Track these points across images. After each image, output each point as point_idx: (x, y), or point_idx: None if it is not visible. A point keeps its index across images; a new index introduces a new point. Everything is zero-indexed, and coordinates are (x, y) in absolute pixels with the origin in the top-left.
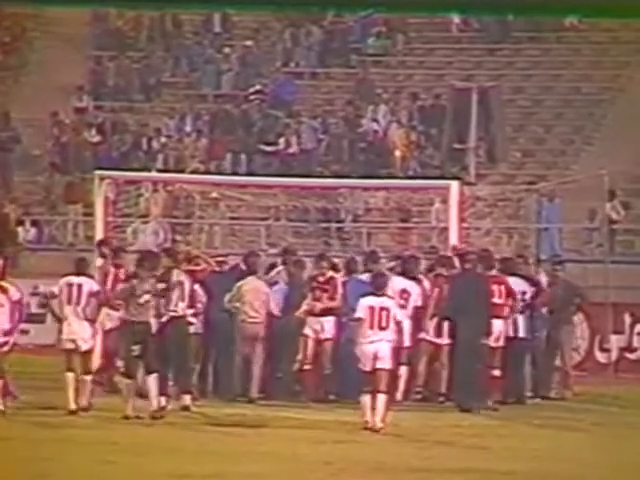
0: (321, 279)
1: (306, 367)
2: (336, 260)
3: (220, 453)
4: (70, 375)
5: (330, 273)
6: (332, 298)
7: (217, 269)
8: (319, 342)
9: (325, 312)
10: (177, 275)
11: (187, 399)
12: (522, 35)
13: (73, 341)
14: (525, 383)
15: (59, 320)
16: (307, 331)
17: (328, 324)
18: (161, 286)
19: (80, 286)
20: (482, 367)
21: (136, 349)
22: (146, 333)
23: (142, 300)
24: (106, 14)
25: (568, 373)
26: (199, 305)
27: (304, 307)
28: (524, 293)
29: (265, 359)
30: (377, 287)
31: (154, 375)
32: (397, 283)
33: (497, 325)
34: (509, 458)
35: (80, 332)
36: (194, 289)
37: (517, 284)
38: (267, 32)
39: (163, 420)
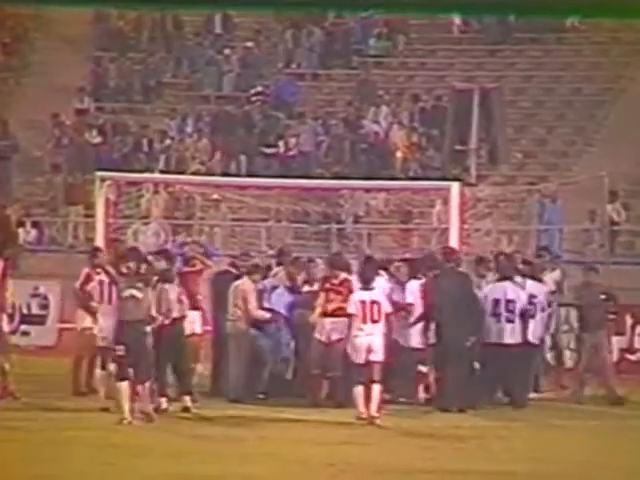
0: (335, 281)
1: (315, 371)
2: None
3: (221, 454)
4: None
5: (344, 275)
6: (345, 300)
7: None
8: (330, 344)
9: (339, 314)
10: (169, 277)
11: (187, 400)
12: (523, 36)
13: (104, 339)
14: (528, 385)
15: (93, 315)
16: (317, 335)
17: (341, 325)
18: (142, 285)
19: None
20: (467, 367)
21: (120, 349)
22: (135, 334)
23: (125, 295)
24: (107, 15)
25: (609, 376)
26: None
27: (318, 309)
28: (534, 296)
29: (249, 359)
30: (365, 281)
31: (147, 384)
32: (414, 286)
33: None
34: (510, 459)
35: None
36: (189, 290)
37: (535, 287)
38: (268, 33)
39: (164, 421)
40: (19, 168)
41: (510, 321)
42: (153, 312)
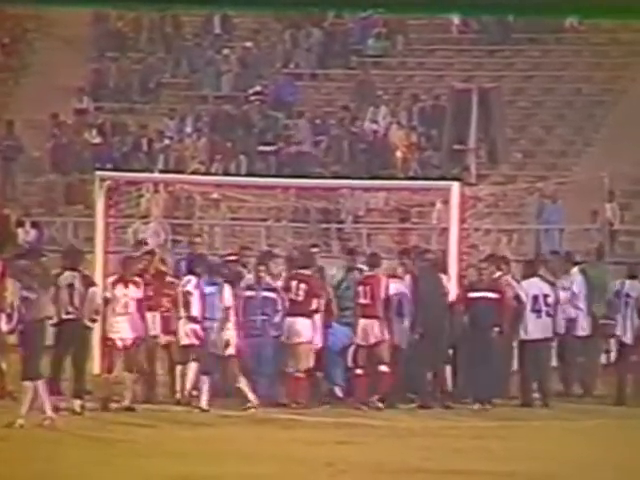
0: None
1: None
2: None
3: (220, 454)
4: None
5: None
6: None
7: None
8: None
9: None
10: (67, 277)
11: (76, 404)
12: (522, 36)
13: (120, 339)
14: (530, 383)
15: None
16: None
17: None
18: (37, 285)
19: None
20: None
21: (19, 350)
22: (32, 334)
23: (22, 295)
24: (106, 15)
25: None
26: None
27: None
28: (546, 296)
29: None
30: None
31: (40, 382)
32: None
33: (368, 325)
34: (509, 459)
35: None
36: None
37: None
38: (267, 33)
39: (162, 421)
40: (19, 168)
41: (550, 315)
42: (51, 311)
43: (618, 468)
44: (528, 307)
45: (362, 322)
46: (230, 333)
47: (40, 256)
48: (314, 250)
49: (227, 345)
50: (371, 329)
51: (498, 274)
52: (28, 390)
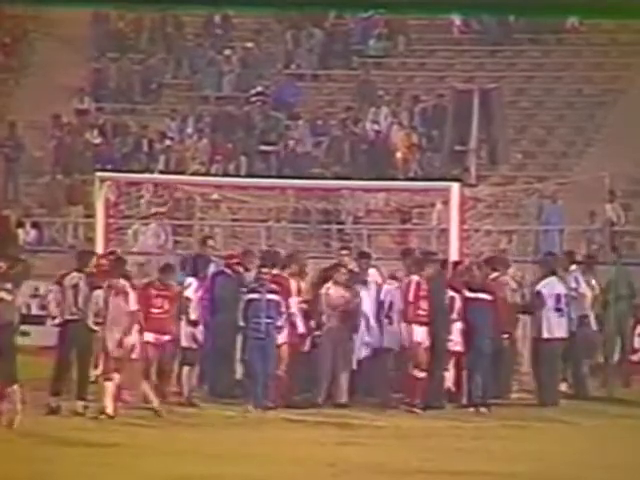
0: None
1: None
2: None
3: (221, 455)
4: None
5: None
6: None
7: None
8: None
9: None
10: (72, 278)
11: (79, 405)
12: (523, 37)
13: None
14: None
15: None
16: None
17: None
18: (12, 286)
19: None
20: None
21: None
22: (4, 336)
23: None
24: (107, 15)
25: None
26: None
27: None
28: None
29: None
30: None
31: (15, 387)
32: None
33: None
34: (510, 460)
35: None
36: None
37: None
38: (268, 34)
39: (163, 422)
40: (20, 168)
41: (569, 315)
42: (53, 310)
43: (619, 468)
44: (551, 306)
45: (403, 326)
46: (135, 337)
47: (17, 257)
48: (344, 252)
49: (132, 349)
50: (414, 333)
51: (494, 275)
52: (16, 393)
